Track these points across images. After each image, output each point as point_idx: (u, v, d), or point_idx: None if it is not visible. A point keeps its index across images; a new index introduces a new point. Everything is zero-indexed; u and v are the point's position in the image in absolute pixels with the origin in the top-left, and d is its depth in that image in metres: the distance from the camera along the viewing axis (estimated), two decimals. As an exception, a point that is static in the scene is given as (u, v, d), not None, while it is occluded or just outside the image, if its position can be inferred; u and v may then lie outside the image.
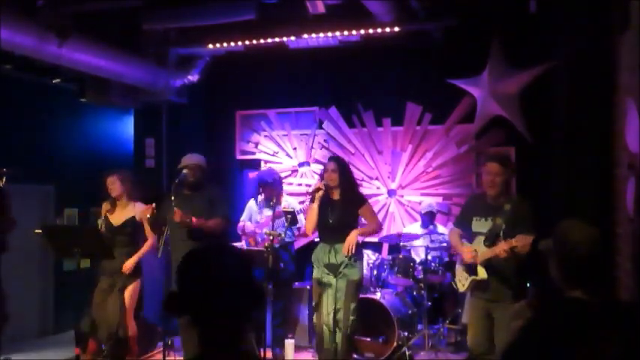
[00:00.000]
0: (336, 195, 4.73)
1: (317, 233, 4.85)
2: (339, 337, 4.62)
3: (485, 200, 4.16)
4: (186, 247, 4.70)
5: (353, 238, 4.57)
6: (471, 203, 4.39)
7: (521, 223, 3.90)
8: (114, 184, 5.07)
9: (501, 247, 3.82)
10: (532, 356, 2.18)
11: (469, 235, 4.17)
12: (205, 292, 1.60)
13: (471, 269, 4.08)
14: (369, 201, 6.81)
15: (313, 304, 4.78)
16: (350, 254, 4.56)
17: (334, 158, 4.92)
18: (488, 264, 3.97)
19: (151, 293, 5.87)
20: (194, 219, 4.70)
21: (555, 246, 2.28)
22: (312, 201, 4.71)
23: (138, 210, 5.06)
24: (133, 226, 5.03)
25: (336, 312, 4.65)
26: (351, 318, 4.60)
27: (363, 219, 4.81)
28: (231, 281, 1.62)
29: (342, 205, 4.67)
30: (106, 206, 5.15)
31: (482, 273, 3.99)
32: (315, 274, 4.74)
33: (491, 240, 3.97)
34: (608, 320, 2.18)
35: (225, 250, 1.72)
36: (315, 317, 4.76)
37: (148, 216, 4.80)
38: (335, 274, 4.63)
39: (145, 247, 5.04)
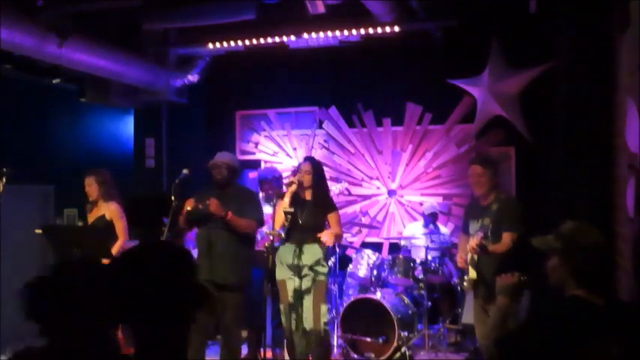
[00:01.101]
0: (307, 195, 4.67)
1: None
2: (312, 340, 4.56)
3: (478, 202, 4.28)
4: (214, 237, 4.55)
5: (328, 236, 4.52)
6: (468, 208, 4.52)
7: (505, 220, 4.03)
8: (91, 186, 4.98)
9: (470, 245, 3.91)
10: (532, 353, 2.19)
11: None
12: (141, 296, 1.42)
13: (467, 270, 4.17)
14: (369, 201, 6.92)
15: (281, 306, 4.69)
16: (324, 248, 4.57)
17: (309, 159, 4.84)
18: (476, 265, 4.05)
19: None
20: (230, 213, 4.51)
21: (566, 248, 2.28)
22: (281, 197, 4.63)
23: (109, 209, 4.96)
24: (103, 224, 4.92)
25: (306, 315, 4.58)
26: (323, 320, 4.56)
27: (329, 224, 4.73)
28: (168, 281, 1.45)
29: (314, 207, 4.62)
30: (88, 209, 5.10)
31: (472, 274, 4.10)
32: (279, 275, 4.66)
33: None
34: (609, 319, 2.18)
35: (161, 248, 1.54)
36: (283, 320, 4.70)
37: (189, 208, 4.61)
38: (299, 276, 4.58)
39: (115, 249, 4.85)
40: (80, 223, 5.14)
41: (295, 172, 4.80)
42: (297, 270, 4.58)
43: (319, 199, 4.64)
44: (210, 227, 4.61)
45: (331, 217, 4.67)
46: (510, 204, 4.16)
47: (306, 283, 4.57)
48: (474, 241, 3.88)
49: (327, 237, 4.51)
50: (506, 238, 4.00)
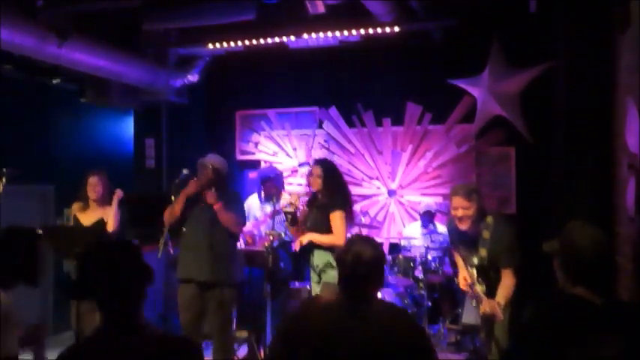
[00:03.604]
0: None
1: None
2: None
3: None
4: (204, 234, 4.52)
5: (304, 238, 4.42)
6: (452, 231, 4.17)
7: (502, 254, 3.77)
8: (97, 186, 4.91)
9: (484, 308, 3.71)
10: (533, 352, 2.19)
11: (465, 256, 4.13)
12: (105, 278, 1.94)
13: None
14: (369, 201, 6.90)
15: None
16: (301, 247, 4.44)
17: (320, 162, 4.68)
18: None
19: (151, 293, 5.87)
20: (220, 203, 4.46)
21: (561, 247, 2.29)
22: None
23: (109, 213, 4.90)
24: (103, 228, 4.86)
25: None
26: None
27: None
28: (126, 267, 1.97)
29: (317, 209, 4.53)
30: (77, 207, 5.00)
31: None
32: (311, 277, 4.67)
33: (482, 275, 3.89)
34: (607, 318, 2.18)
35: (120, 243, 2.22)
36: None
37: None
38: (317, 278, 4.54)
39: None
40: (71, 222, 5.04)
41: (307, 177, 4.73)
42: (316, 272, 4.55)
43: (324, 201, 4.52)
44: (199, 225, 4.58)
45: (332, 218, 4.42)
46: (502, 231, 3.80)
47: (317, 287, 4.51)
48: (491, 308, 3.71)
49: (297, 244, 4.42)
50: (509, 276, 3.75)
